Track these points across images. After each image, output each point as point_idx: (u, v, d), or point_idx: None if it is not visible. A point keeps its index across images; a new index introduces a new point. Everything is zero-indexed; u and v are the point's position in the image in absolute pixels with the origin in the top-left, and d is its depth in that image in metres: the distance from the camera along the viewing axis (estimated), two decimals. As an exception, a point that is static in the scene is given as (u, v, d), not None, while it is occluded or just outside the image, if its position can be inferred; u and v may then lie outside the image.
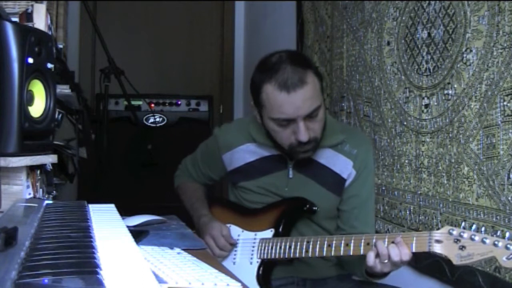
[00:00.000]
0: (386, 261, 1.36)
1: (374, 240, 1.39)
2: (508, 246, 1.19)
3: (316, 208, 1.64)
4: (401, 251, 1.34)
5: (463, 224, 1.30)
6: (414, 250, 1.33)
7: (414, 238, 1.33)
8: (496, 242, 1.21)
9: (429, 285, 1.80)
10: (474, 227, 1.27)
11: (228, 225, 1.71)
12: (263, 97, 1.56)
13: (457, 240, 1.26)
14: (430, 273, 1.78)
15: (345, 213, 1.70)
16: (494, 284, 1.50)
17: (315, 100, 1.54)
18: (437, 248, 1.29)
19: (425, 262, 1.79)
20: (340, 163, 1.68)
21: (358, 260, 1.51)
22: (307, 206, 1.65)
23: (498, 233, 1.24)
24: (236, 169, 1.76)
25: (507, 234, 1.21)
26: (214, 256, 1.63)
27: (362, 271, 1.49)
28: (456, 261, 1.26)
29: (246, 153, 1.74)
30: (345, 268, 1.71)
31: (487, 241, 1.22)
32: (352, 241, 1.43)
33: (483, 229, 1.26)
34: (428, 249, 1.30)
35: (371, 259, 1.38)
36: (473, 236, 1.24)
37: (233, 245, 1.66)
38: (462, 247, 1.25)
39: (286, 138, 1.57)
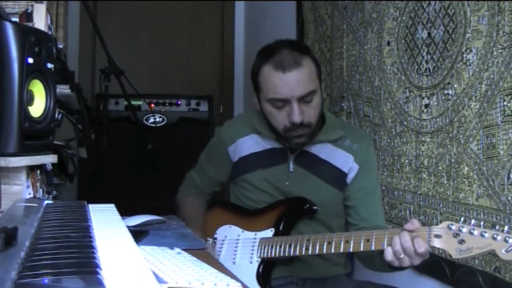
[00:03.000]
0: (402, 255, 1.34)
1: (374, 237, 1.39)
2: (507, 239, 1.20)
3: (316, 208, 1.65)
4: (414, 244, 1.31)
5: (462, 218, 1.30)
6: None
7: (414, 234, 1.33)
8: (495, 235, 1.22)
9: (429, 285, 1.80)
10: (473, 221, 1.27)
11: (228, 225, 1.72)
12: (260, 79, 1.62)
13: (456, 234, 1.27)
14: (430, 273, 1.78)
15: (354, 208, 1.70)
16: (494, 284, 1.50)
17: (310, 84, 1.58)
18: (436, 243, 1.30)
19: (425, 262, 1.79)
20: (340, 158, 1.69)
21: (378, 254, 1.49)
22: (307, 205, 1.65)
23: (497, 227, 1.24)
24: (242, 158, 1.76)
25: (506, 228, 1.22)
26: None
27: (385, 263, 1.46)
28: (455, 255, 1.27)
29: (251, 143, 1.76)
30: (365, 264, 1.67)
31: (486, 234, 1.23)
32: (352, 238, 1.44)
33: (482, 223, 1.26)
34: (428, 244, 1.31)
35: (389, 255, 1.36)
36: (472, 230, 1.25)
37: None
38: (462, 241, 1.26)
39: (281, 121, 1.60)
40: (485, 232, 1.23)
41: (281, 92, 1.57)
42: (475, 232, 1.25)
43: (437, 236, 1.30)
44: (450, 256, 1.29)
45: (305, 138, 1.64)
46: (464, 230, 1.26)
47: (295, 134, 1.61)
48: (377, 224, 1.66)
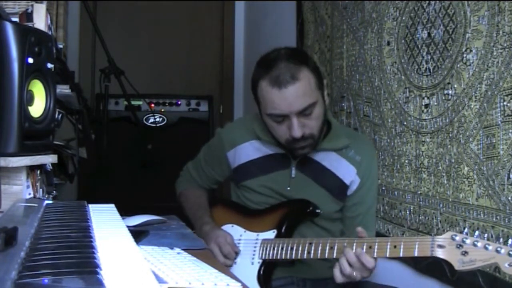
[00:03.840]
0: (354, 274, 1.39)
1: (376, 244, 1.39)
2: (511, 252, 1.19)
3: (319, 211, 1.65)
4: (362, 260, 1.37)
5: (466, 229, 1.30)
6: (416, 255, 1.33)
7: (417, 243, 1.33)
8: (498, 249, 1.21)
9: (429, 285, 1.80)
10: (477, 233, 1.27)
11: (230, 225, 1.71)
12: (258, 93, 1.61)
13: (459, 246, 1.27)
14: (430, 273, 1.78)
15: (348, 219, 1.72)
16: (494, 284, 1.50)
17: (308, 97, 1.56)
18: (440, 253, 1.29)
19: (425, 262, 1.79)
20: (343, 168, 1.69)
21: None
22: (310, 208, 1.65)
23: (501, 240, 1.24)
24: (240, 166, 1.76)
25: (510, 241, 1.21)
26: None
27: None
28: (458, 266, 1.26)
29: (250, 150, 1.75)
30: None
31: (490, 247, 1.22)
32: (355, 244, 1.43)
33: (485, 235, 1.26)
34: (431, 253, 1.30)
35: (338, 278, 1.41)
36: (475, 242, 1.25)
37: (237, 253, 1.65)
38: (465, 253, 1.26)
39: (282, 134, 1.60)
40: (488, 244, 1.23)
41: (278, 108, 1.55)
42: (479, 244, 1.24)
43: (440, 246, 1.29)
44: (453, 267, 1.28)
45: (308, 149, 1.64)
46: (468, 241, 1.26)
47: (297, 146, 1.61)
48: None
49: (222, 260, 1.62)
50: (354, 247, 1.40)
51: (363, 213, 1.71)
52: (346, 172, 1.69)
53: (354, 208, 1.70)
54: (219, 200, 1.92)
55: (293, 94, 1.53)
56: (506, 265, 1.19)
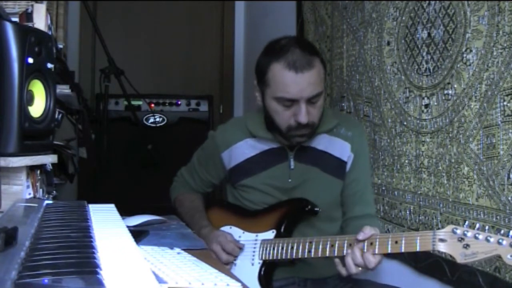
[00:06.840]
0: (360, 269, 1.40)
1: (377, 241, 1.39)
2: None
3: (318, 209, 1.65)
4: (365, 261, 1.38)
5: (466, 222, 1.29)
6: (418, 249, 1.33)
7: (418, 238, 1.33)
8: (500, 240, 1.21)
9: (429, 285, 1.80)
10: (478, 225, 1.27)
11: (229, 226, 1.71)
12: (269, 76, 1.61)
13: (461, 239, 1.26)
14: (430, 273, 1.78)
15: (346, 198, 1.73)
16: (494, 284, 1.50)
17: (318, 85, 1.59)
18: (441, 247, 1.29)
19: (425, 262, 1.79)
20: (338, 147, 1.71)
21: None
22: (309, 206, 1.65)
23: (502, 231, 1.24)
24: (236, 166, 1.76)
25: (511, 232, 1.21)
26: (221, 263, 1.61)
27: None
28: (460, 259, 1.26)
29: (246, 148, 1.75)
30: None
31: (492, 239, 1.22)
32: (356, 241, 1.43)
33: (486, 228, 1.26)
34: (432, 248, 1.30)
35: (343, 274, 1.42)
36: (477, 235, 1.24)
37: (241, 249, 1.64)
38: (466, 246, 1.25)
39: (286, 119, 1.61)
40: (490, 236, 1.22)
41: (291, 92, 1.57)
42: (480, 237, 1.24)
43: (441, 240, 1.29)
44: (455, 260, 1.28)
45: (306, 138, 1.66)
46: (469, 234, 1.25)
47: (298, 133, 1.62)
48: (368, 212, 1.72)
49: (226, 257, 1.61)
50: (356, 245, 1.40)
51: (360, 190, 1.72)
52: (342, 149, 1.72)
53: (351, 186, 1.72)
54: (214, 202, 1.91)
55: (307, 80, 1.56)
56: (509, 256, 1.19)
